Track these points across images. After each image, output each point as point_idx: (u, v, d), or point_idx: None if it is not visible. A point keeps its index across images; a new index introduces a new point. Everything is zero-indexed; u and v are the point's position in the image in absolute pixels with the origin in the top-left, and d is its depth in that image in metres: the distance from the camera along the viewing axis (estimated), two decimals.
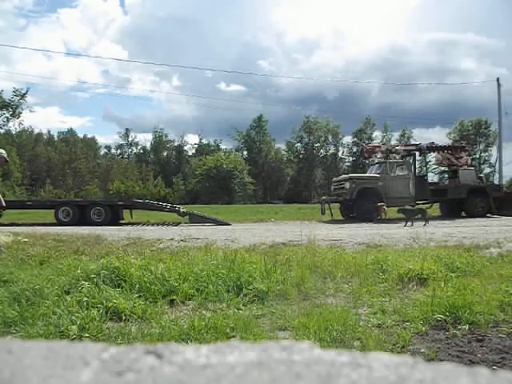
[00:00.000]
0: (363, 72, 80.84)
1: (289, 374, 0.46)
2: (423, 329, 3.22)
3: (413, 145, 18.69)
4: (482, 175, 22.15)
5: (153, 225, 14.39)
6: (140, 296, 3.97)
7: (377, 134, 57.82)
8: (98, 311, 3.51)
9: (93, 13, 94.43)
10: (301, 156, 57.77)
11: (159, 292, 4.13)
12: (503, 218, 14.99)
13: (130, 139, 64.29)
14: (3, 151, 6.81)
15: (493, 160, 50.34)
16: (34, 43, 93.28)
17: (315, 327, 3.18)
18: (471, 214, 16.03)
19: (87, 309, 3.56)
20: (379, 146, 18.47)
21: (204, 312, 3.68)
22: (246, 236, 9.36)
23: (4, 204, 6.80)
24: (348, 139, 58.61)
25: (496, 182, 25.87)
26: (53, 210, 14.36)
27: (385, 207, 14.83)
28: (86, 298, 3.75)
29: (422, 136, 69.20)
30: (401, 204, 16.40)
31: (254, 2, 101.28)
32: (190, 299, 4.14)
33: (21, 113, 36.42)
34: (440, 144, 18.42)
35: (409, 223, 12.03)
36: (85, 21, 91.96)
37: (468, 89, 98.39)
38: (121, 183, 46.15)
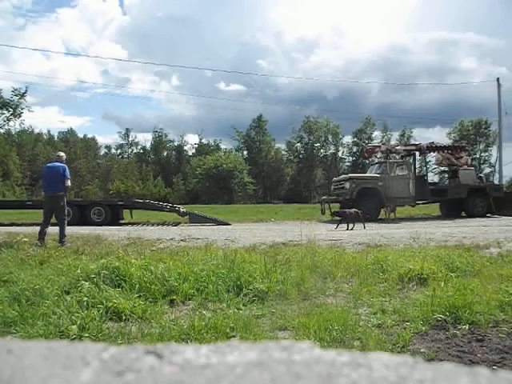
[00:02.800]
0: (363, 71, 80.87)
1: (289, 374, 0.46)
2: (423, 329, 3.22)
3: (413, 145, 18.70)
4: (481, 175, 22.12)
5: (153, 225, 14.39)
6: (140, 296, 3.97)
7: (377, 134, 57.87)
8: (98, 311, 3.51)
9: (92, 13, 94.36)
10: (301, 156, 57.75)
11: (159, 292, 4.13)
12: (503, 217, 14.99)
13: (130, 139, 64.36)
14: (63, 153, 8.35)
15: (493, 160, 50.38)
16: (33, 43, 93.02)
17: (315, 327, 3.18)
18: (471, 214, 16.03)
19: (87, 309, 3.56)
20: (379, 146, 18.48)
21: (204, 312, 3.68)
22: (246, 236, 9.36)
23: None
24: (348, 139, 58.66)
25: (496, 181, 25.83)
26: None
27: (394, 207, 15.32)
28: (85, 298, 3.75)
29: (422, 136, 69.06)
30: (401, 204, 16.48)
31: (252, 1, 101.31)
32: (190, 299, 4.14)
33: (21, 112, 36.46)
34: (440, 144, 18.42)
35: (350, 225, 11.37)
36: (84, 20, 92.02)
37: (468, 88, 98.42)
38: (121, 183, 46.15)
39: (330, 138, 58.26)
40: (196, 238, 8.74)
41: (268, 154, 57.91)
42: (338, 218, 12.01)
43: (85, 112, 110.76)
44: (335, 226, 11.63)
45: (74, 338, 3.03)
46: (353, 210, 11.89)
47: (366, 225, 11.59)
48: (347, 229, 11.10)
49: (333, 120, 57.20)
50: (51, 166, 8.05)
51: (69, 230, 8.29)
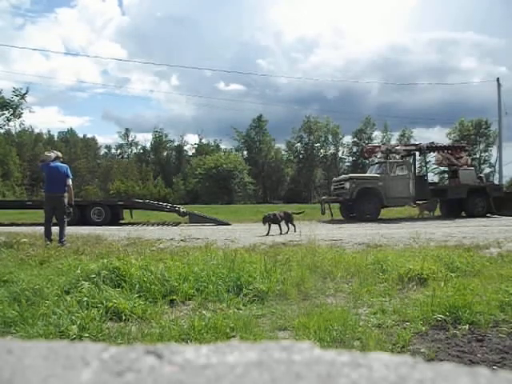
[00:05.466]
0: (363, 71, 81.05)
1: (289, 374, 0.46)
2: (423, 329, 3.22)
3: (413, 145, 18.69)
4: (482, 175, 22.11)
5: (153, 225, 14.40)
6: (140, 296, 3.97)
7: (377, 134, 57.93)
8: (98, 311, 3.51)
9: (91, 12, 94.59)
10: (301, 156, 57.77)
11: (159, 292, 4.12)
12: (503, 217, 15.00)
13: (129, 139, 64.40)
14: (52, 152, 8.24)
15: (493, 160, 50.38)
16: (33, 43, 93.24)
17: (315, 327, 3.18)
18: (471, 214, 16.02)
19: (87, 309, 3.56)
20: (379, 146, 18.46)
21: (204, 312, 3.67)
22: (246, 236, 9.37)
23: (72, 203, 8.29)
24: (348, 139, 58.72)
25: (496, 181, 25.81)
26: None
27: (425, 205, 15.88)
28: (86, 298, 3.74)
29: (422, 136, 69.19)
30: (401, 204, 16.48)
31: (252, 1, 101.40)
32: (190, 299, 4.13)
33: (21, 113, 36.48)
34: (440, 144, 18.42)
35: (284, 229, 10.46)
36: (83, 20, 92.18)
37: (468, 88, 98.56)
38: (121, 183, 46.20)
39: (330, 137, 58.32)
40: (196, 238, 8.75)
41: (268, 154, 57.93)
42: (268, 223, 10.48)
43: (84, 112, 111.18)
44: (278, 231, 10.36)
45: (74, 338, 3.03)
46: (283, 213, 11.03)
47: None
48: (280, 233, 10.18)
49: (333, 120, 57.34)
50: (55, 167, 7.93)
51: (69, 229, 8.30)
